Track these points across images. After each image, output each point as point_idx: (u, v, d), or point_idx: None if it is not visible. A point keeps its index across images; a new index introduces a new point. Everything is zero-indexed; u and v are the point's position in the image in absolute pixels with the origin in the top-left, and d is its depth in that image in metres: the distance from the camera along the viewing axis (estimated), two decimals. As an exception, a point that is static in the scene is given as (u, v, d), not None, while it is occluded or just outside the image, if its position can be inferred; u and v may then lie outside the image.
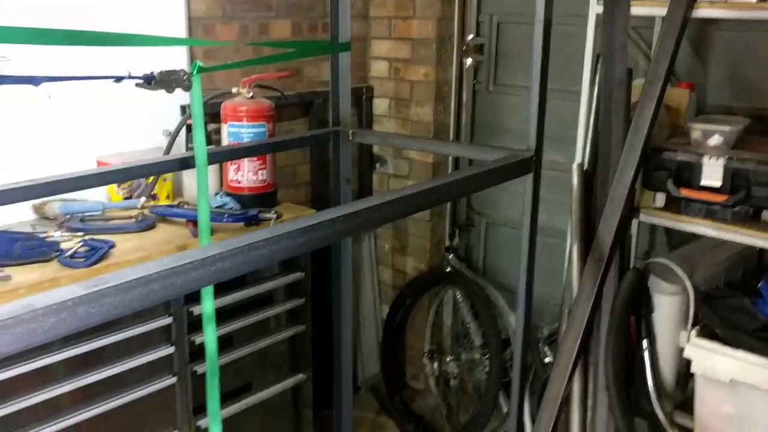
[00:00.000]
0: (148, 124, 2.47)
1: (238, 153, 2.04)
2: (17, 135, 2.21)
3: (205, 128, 2.43)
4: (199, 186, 1.51)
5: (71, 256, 1.89)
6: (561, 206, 2.53)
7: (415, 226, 3.27)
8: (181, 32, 2.52)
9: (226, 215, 2.16)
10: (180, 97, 2.55)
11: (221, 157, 2.06)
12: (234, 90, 2.36)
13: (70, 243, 1.99)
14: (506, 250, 3.12)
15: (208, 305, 1.53)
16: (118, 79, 1.30)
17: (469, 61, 3.02)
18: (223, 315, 2.20)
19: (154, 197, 2.41)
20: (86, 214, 2.23)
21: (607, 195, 1.94)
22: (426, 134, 3.11)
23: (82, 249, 1.93)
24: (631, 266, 2.04)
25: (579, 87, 2.22)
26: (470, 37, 3.01)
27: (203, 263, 1.04)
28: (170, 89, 1.40)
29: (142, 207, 2.31)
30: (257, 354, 2.34)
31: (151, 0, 2.42)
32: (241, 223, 2.17)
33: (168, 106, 2.51)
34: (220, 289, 2.17)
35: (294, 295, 2.43)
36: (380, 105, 3.27)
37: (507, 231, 3.08)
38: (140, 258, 1.95)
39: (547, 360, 2.68)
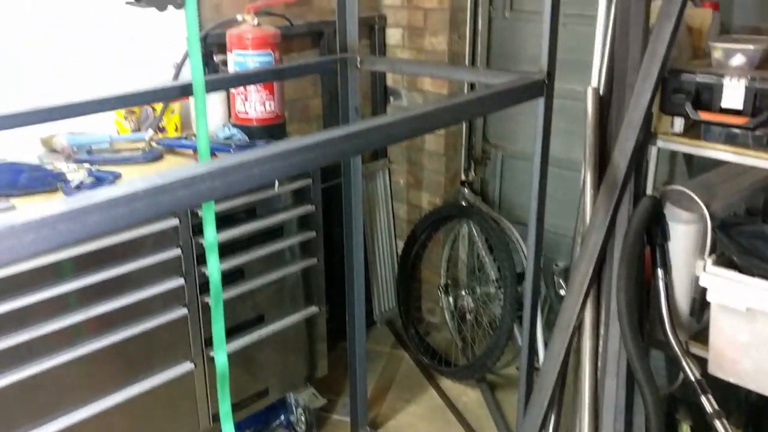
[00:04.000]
0: (160, 60, 2.42)
1: (241, 80, 2.00)
2: (31, 68, 2.19)
3: (212, 60, 2.40)
4: (197, 112, 1.47)
5: (77, 187, 1.88)
6: (579, 137, 2.45)
7: (429, 160, 3.22)
8: None
9: (232, 145, 2.13)
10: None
11: (223, 84, 2.01)
12: (239, 17, 2.30)
13: (77, 174, 1.97)
14: (522, 183, 3.06)
15: (210, 233, 1.51)
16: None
17: (484, -14, 2.91)
18: (233, 247, 2.20)
19: (162, 129, 2.38)
20: (94, 146, 2.22)
21: (623, 120, 1.87)
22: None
23: (87, 180, 1.92)
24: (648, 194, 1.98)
25: (596, 12, 2.12)
26: (485, -39, 2.90)
27: (191, 181, 1.01)
28: (162, 7, 1.34)
29: (150, 139, 2.28)
30: (270, 286, 2.34)
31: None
32: (249, 154, 2.13)
33: (180, 39, 2.46)
34: (231, 221, 2.16)
35: (305, 228, 2.42)
36: (393, 35, 3.18)
37: (523, 164, 3.01)
38: (146, 189, 1.93)
39: (562, 293, 2.65)
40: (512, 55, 2.94)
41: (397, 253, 3.38)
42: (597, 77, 2.03)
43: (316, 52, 2.93)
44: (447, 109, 1.46)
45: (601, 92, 2.02)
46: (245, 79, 1.97)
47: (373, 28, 3.13)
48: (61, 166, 2.02)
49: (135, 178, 0.97)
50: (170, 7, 1.36)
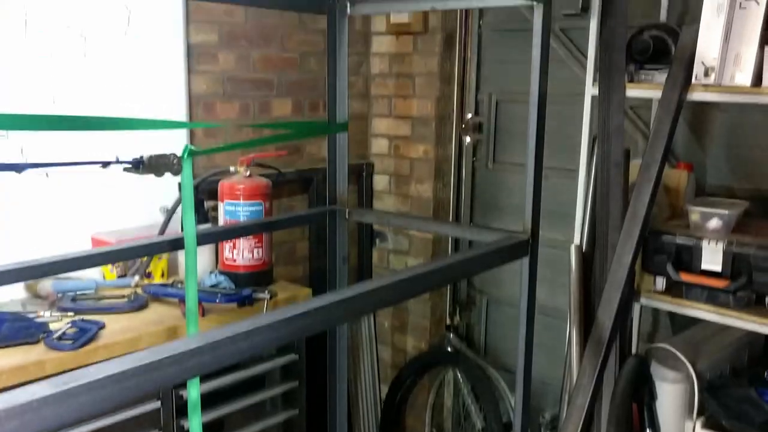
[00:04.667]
0: (146, 201, 2.47)
1: (232, 233, 2.03)
2: (12, 211, 2.21)
3: (202, 207, 2.44)
4: (187, 271, 1.48)
5: (59, 338, 1.85)
6: (562, 286, 2.49)
7: (414, 303, 3.22)
8: (182, 110, 2.55)
9: (219, 295, 2.13)
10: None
11: (216, 237, 2.04)
12: (232, 169, 2.37)
13: (59, 324, 1.95)
14: (508, 329, 3.06)
15: (194, 392, 1.48)
16: (105, 164, 1.29)
17: (468, 139, 3.04)
18: (214, 398, 2.14)
19: (148, 275, 2.38)
20: (79, 292, 2.20)
21: (606, 278, 1.90)
22: (426, 210, 3.11)
23: (70, 330, 1.90)
24: (634, 350, 1.99)
25: (577, 166, 2.21)
26: (469, 115, 3.04)
27: (182, 357, 1.00)
28: (159, 173, 1.39)
29: (136, 285, 2.28)
30: (249, 437, 2.26)
31: (152, 79, 2.46)
32: (234, 304, 2.13)
33: (166, 182, 2.51)
34: (212, 373, 2.12)
35: (288, 378, 2.37)
36: (380, 181, 3.27)
37: (508, 309, 3.02)
38: (129, 339, 1.91)
39: (550, 446, 2.59)
40: (496, 203, 3.03)
41: (380, 398, 3.31)
42: (579, 234, 2.08)
43: (305, 198, 3.00)
44: (435, 271, 1.48)
45: (583, 249, 2.07)
46: (236, 232, 2.00)
47: (361, 175, 3.23)
48: (45, 314, 2.00)
49: (124, 358, 0.96)
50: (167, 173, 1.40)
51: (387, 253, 3.29)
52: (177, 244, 1.77)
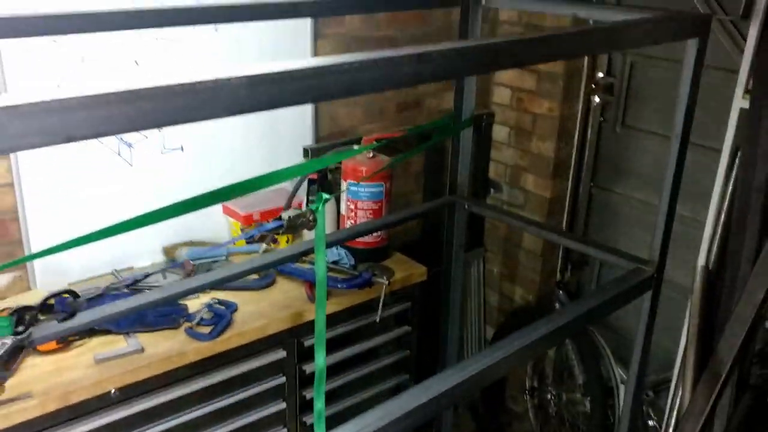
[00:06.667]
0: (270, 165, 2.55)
1: (355, 234, 2.10)
2: (150, 180, 2.35)
3: (326, 177, 2.50)
4: (318, 300, 1.55)
5: (198, 323, 2.03)
6: (682, 260, 2.40)
7: (525, 256, 3.24)
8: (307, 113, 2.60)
9: (339, 280, 2.23)
10: (302, 138, 2.64)
11: (339, 241, 2.11)
12: (355, 146, 2.39)
13: (197, 303, 2.12)
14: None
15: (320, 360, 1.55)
16: (248, 238, 1.35)
17: (596, 99, 2.89)
18: (329, 370, 2.31)
19: (275, 241, 2.51)
20: (212, 260, 2.36)
21: (732, 308, 1.86)
22: (545, 169, 3.04)
23: (207, 315, 2.06)
24: (751, 381, 1.97)
25: (708, 182, 2.09)
26: (600, 75, 2.87)
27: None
28: (297, 232, 1.44)
29: (264, 251, 2.41)
30: (361, 405, 2.44)
31: (280, 46, 2.46)
32: (355, 289, 2.24)
33: (294, 146, 2.59)
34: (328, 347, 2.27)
35: (400, 348, 2.51)
36: (500, 132, 3.21)
37: (620, 272, 2.98)
38: (259, 327, 2.06)
39: (651, 423, 2.64)
40: (621, 167, 2.92)
41: (486, 339, 3.43)
42: (705, 254, 2.01)
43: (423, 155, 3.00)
44: (555, 332, 1.50)
45: (709, 267, 2.01)
46: (359, 233, 2.06)
47: (480, 125, 3.16)
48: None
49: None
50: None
51: (500, 205, 3.28)
52: (306, 254, 1.85)
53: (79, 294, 1.99)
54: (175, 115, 0.77)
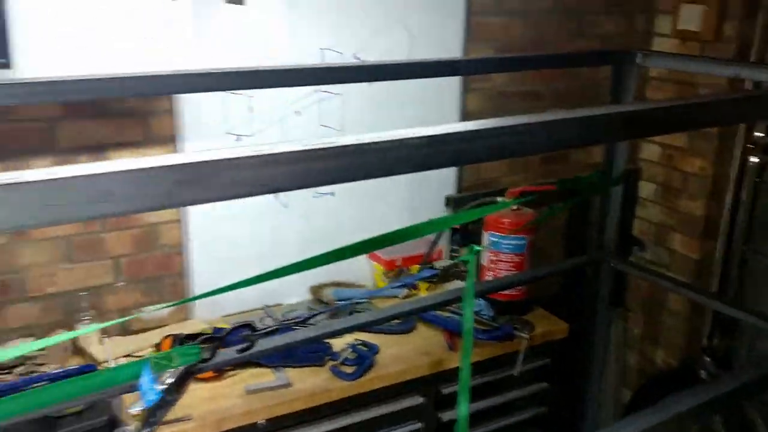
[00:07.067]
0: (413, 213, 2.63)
1: (491, 290, 2.12)
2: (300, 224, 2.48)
3: (467, 228, 2.54)
4: (465, 350, 1.57)
5: (342, 362, 2.11)
6: None
7: (670, 317, 3.11)
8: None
9: (480, 331, 2.24)
10: (446, 187, 2.71)
11: (484, 287, 2.14)
12: (499, 199, 2.42)
13: (341, 343, 2.20)
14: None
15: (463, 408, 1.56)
16: (399, 288, 1.40)
17: (754, 159, 2.77)
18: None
19: (414, 287, 2.56)
20: (355, 301, 2.44)
21: None
22: (695, 229, 2.93)
23: (351, 356, 2.14)
24: None
25: None
26: (758, 134, 2.76)
27: None
28: (449, 281, 1.49)
29: (404, 297, 2.47)
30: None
31: (430, 97, 2.55)
32: (495, 341, 2.24)
33: (437, 194, 2.66)
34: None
35: (536, 403, 2.47)
36: (646, 188, 3.13)
37: (778, 343, 2.81)
38: (399, 372, 2.11)
39: None
40: (778, 231, 2.77)
41: (622, 403, 3.30)
42: None
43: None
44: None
45: None
46: (496, 288, 2.09)
47: (627, 179, 3.10)
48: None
49: None
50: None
51: (644, 263, 3.18)
52: (451, 302, 1.89)
53: (256, 327, 2.09)
54: (367, 170, 0.84)
